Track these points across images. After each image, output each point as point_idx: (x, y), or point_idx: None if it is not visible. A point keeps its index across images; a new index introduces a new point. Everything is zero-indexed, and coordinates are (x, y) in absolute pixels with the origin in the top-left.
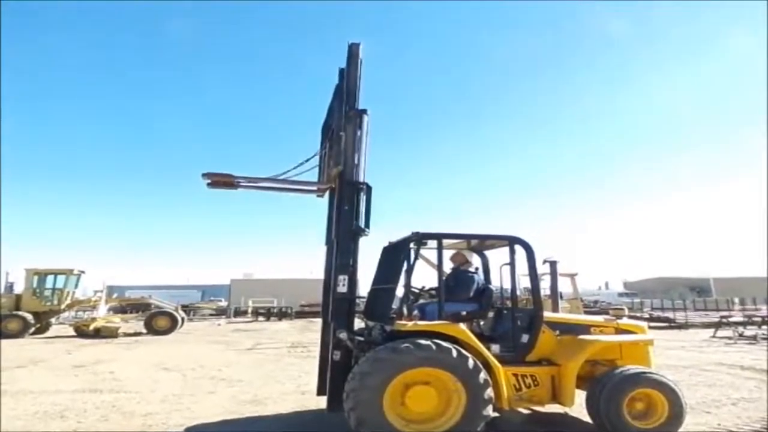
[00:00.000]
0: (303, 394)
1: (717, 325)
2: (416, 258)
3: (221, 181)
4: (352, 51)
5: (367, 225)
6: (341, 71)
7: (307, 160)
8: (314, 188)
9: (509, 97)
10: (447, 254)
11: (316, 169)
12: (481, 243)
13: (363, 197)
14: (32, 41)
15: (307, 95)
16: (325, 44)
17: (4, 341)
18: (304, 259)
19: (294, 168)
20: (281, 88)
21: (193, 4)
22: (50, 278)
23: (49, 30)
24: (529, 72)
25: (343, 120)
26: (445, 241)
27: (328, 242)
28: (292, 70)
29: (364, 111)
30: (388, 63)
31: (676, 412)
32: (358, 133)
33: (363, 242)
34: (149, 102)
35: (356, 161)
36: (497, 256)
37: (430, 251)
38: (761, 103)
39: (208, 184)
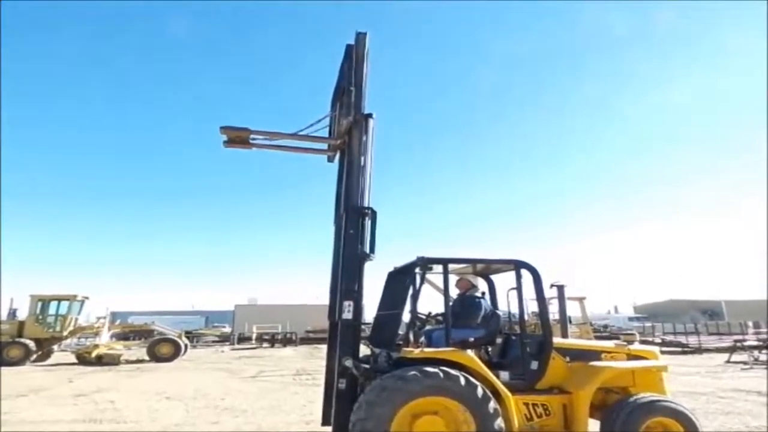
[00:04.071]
0: (307, 424)
1: (731, 350)
2: (422, 283)
3: (237, 138)
4: (359, 41)
5: (372, 250)
6: (348, 47)
7: (319, 121)
8: (326, 146)
9: (510, 118)
10: (453, 279)
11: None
12: (487, 267)
13: (368, 222)
14: (31, 43)
15: (307, 95)
16: (325, 43)
17: (6, 369)
18: (308, 285)
19: (307, 128)
20: (282, 89)
21: (193, 3)
22: (54, 304)
23: (48, 31)
24: (527, 87)
25: (353, 77)
26: (451, 266)
27: (336, 221)
28: (292, 69)
29: (370, 115)
30: (388, 77)
31: None
32: (364, 138)
33: (368, 267)
34: (153, 123)
35: (363, 162)
36: (503, 281)
37: (436, 276)
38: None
39: (225, 143)
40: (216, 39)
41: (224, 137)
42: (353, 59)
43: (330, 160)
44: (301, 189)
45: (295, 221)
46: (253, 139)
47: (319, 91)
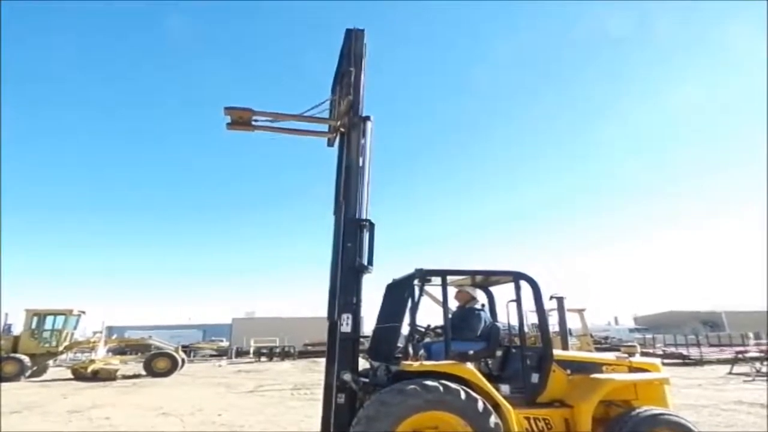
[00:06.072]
0: None
1: (733, 361)
2: (421, 295)
3: (240, 120)
4: (356, 39)
5: (370, 262)
6: (347, 31)
7: (320, 104)
8: (326, 128)
9: (508, 123)
10: (452, 291)
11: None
12: (486, 279)
13: (366, 234)
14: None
15: (307, 95)
16: (324, 44)
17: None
18: (306, 298)
19: (308, 111)
20: (281, 89)
21: (193, 3)
22: (49, 319)
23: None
24: (527, 89)
25: (352, 61)
26: (450, 278)
27: (336, 211)
28: (292, 70)
29: (368, 117)
30: (387, 78)
31: None
32: (362, 141)
33: (367, 279)
34: (152, 130)
35: (361, 163)
36: (503, 293)
37: (434, 288)
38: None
39: (228, 125)
40: (214, 37)
41: (227, 119)
42: (351, 55)
43: (330, 144)
44: (299, 202)
45: (292, 234)
46: (256, 120)
47: (319, 90)
